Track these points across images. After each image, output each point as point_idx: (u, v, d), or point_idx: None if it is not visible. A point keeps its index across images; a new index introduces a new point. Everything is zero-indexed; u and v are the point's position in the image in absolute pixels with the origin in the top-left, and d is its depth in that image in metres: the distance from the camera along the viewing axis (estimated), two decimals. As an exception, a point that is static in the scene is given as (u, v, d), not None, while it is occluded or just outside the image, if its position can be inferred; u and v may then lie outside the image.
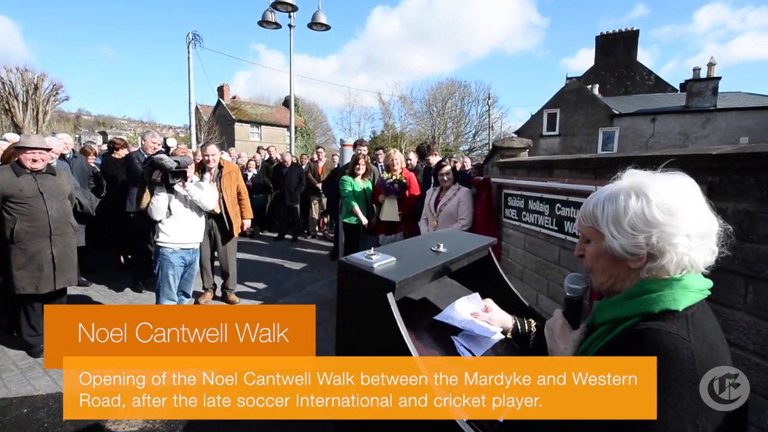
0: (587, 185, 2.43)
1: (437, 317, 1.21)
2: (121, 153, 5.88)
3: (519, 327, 1.24)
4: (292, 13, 10.87)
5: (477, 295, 1.27)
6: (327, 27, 10.62)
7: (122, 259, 5.96)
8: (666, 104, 20.94)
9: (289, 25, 11.13)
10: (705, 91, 19.20)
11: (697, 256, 0.79)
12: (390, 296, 1.02)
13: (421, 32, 77.45)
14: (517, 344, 1.23)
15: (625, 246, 0.81)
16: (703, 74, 19.85)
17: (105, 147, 6.71)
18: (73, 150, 5.46)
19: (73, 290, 3.87)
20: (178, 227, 3.45)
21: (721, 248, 0.83)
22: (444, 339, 1.16)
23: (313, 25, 10.50)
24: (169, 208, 3.39)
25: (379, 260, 1.11)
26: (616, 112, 20.86)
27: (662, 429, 0.68)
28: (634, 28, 27.65)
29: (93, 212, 4.73)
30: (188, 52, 15.84)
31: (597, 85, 24.15)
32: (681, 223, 0.78)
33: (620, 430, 0.71)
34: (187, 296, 3.78)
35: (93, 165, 5.79)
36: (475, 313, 1.22)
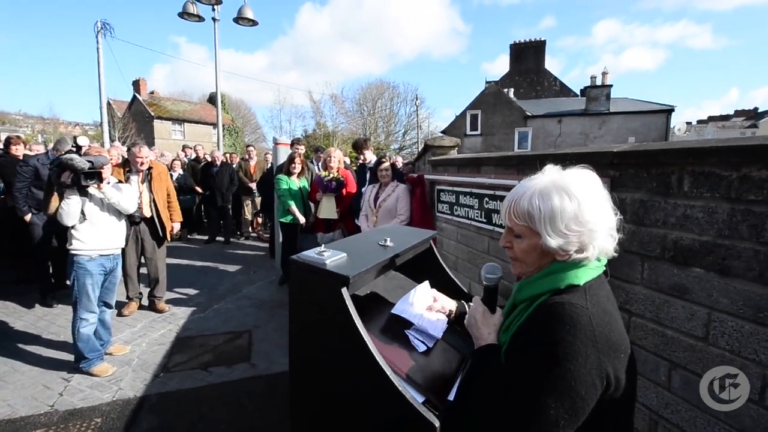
0: (512, 180, 2.66)
1: (394, 311, 1.26)
2: (19, 151, 5.20)
3: (463, 309, 1.36)
4: (216, 6, 10.32)
5: (427, 283, 1.35)
6: (254, 22, 10.24)
7: (29, 271, 5.30)
8: (569, 107, 23.42)
9: (213, 19, 10.57)
10: (600, 96, 21.95)
11: (608, 245, 0.94)
12: (344, 291, 1.05)
13: (350, 32, 77.61)
14: (458, 327, 1.33)
15: (561, 245, 0.91)
16: (598, 82, 22.44)
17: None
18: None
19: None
20: (95, 232, 3.16)
21: (620, 234, 0.97)
22: (398, 331, 1.21)
23: (239, 19, 10.07)
24: (82, 212, 3.09)
25: (330, 257, 1.13)
26: (529, 114, 22.90)
27: (579, 387, 0.81)
28: (542, 39, 30.64)
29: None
30: (97, 42, 14.33)
31: (512, 89, 26.17)
32: (603, 220, 0.91)
33: (544, 391, 0.81)
34: (110, 307, 3.47)
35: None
36: (429, 306, 1.30)
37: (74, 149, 3.14)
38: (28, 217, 4.49)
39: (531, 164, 2.55)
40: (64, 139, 5.28)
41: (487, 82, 26.35)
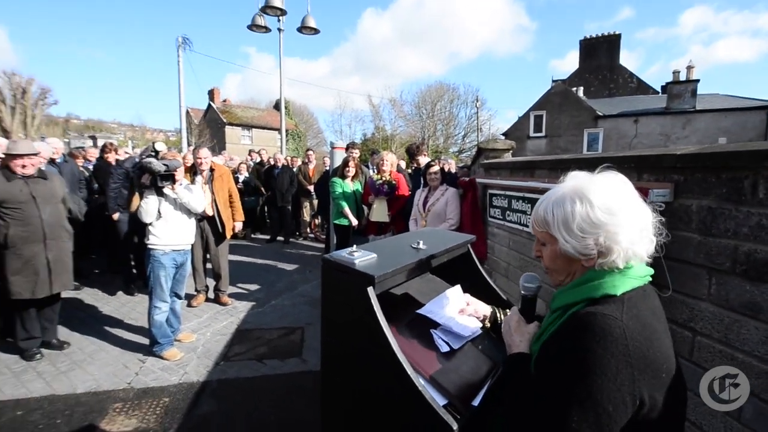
0: (567, 185, 2.54)
1: (419, 311, 1.28)
2: (111, 157, 5.90)
3: (497, 315, 1.34)
4: (281, 17, 10.91)
5: (458, 287, 1.35)
6: (316, 31, 10.68)
7: (116, 262, 5.97)
8: (648, 106, 21.35)
9: (279, 29, 11.19)
10: (684, 93, 19.63)
11: (639, 248, 0.89)
12: (370, 290, 1.08)
13: (411, 34, 77.87)
14: (494, 333, 1.31)
15: (577, 248, 0.90)
16: (683, 77, 20.26)
17: (93, 151, 6.66)
18: (63, 154, 5.46)
19: (65, 294, 3.88)
20: (168, 229, 3.50)
21: (658, 237, 0.92)
22: (425, 331, 1.23)
23: (303, 29, 10.55)
24: (159, 210, 3.43)
25: (360, 257, 1.17)
26: (600, 113, 21.20)
27: (605, 402, 0.76)
28: (617, 33, 28.23)
29: (81, 217, 4.74)
30: (178, 55, 15.79)
31: (581, 88, 24.53)
32: (621, 221, 0.87)
33: (568, 402, 0.79)
34: (180, 298, 3.81)
35: (82, 169, 5.80)
36: (462, 310, 1.30)
37: (153, 154, 3.49)
38: (116, 216, 5.05)
39: (589, 168, 2.41)
40: (150, 145, 5.91)
41: (553, 81, 24.95)
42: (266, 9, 10.17)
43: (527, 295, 1.13)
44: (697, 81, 19.68)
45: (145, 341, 3.77)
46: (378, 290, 1.10)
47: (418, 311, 1.27)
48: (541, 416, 0.82)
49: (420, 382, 0.99)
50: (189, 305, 4.73)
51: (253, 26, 10.39)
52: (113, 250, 6.01)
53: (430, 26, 76.56)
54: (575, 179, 0.95)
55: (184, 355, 3.61)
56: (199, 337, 4.01)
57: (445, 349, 1.18)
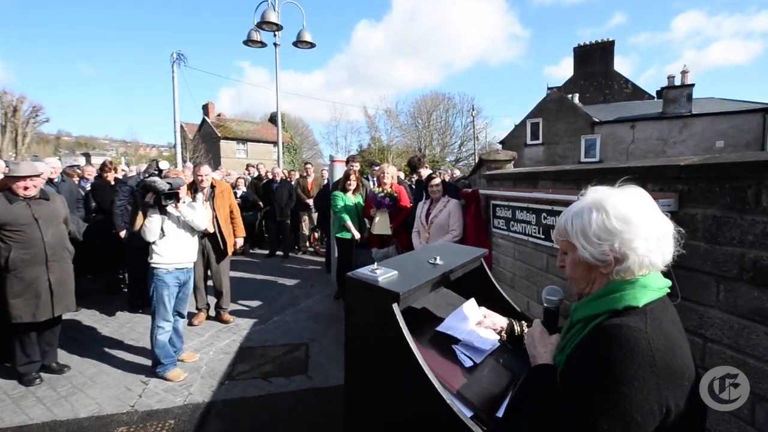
0: (571, 195, 2.56)
1: (439, 328, 1.30)
2: (110, 176, 5.89)
3: (514, 327, 1.36)
4: (277, 32, 11.03)
5: (473, 300, 1.37)
6: (312, 45, 10.80)
7: (115, 282, 5.94)
8: (644, 111, 21.57)
9: (275, 44, 11.29)
10: (680, 97, 19.83)
11: (655, 257, 0.93)
12: (395, 306, 1.11)
13: (405, 45, 78.93)
14: (510, 345, 1.32)
15: (594, 254, 0.94)
16: (677, 81, 20.55)
17: (90, 169, 6.64)
18: (61, 174, 5.45)
19: (63, 315, 3.83)
20: (171, 247, 3.48)
21: (678, 248, 0.96)
22: (446, 346, 1.25)
23: (298, 43, 10.67)
24: (162, 229, 3.43)
25: (382, 274, 1.20)
26: (597, 119, 21.42)
27: (634, 411, 0.79)
28: (610, 39, 28.61)
29: (80, 237, 4.72)
30: (172, 71, 15.92)
31: (577, 94, 24.83)
32: (636, 229, 0.91)
33: (597, 413, 0.80)
34: (182, 317, 3.78)
35: (79, 189, 5.79)
36: (480, 322, 1.32)
37: (156, 172, 3.50)
38: (122, 234, 5.03)
39: (591, 178, 2.44)
40: (153, 163, 5.88)
41: (548, 89, 25.22)
42: (262, 24, 10.28)
43: (550, 307, 1.16)
44: (692, 85, 19.90)
45: (147, 362, 3.73)
46: (402, 306, 1.11)
47: (438, 329, 1.28)
48: (569, 426, 0.83)
49: (447, 395, 1.01)
50: (190, 324, 4.68)
51: (249, 41, 10.50)
52: (113, 269, 5.98)
53: (424, 36, 77.74)
54: (596, 192, 1.00)
55: (187, 375, 3.56)
56: (202, 356, 3.97)
57: (468, 364, 1.19)
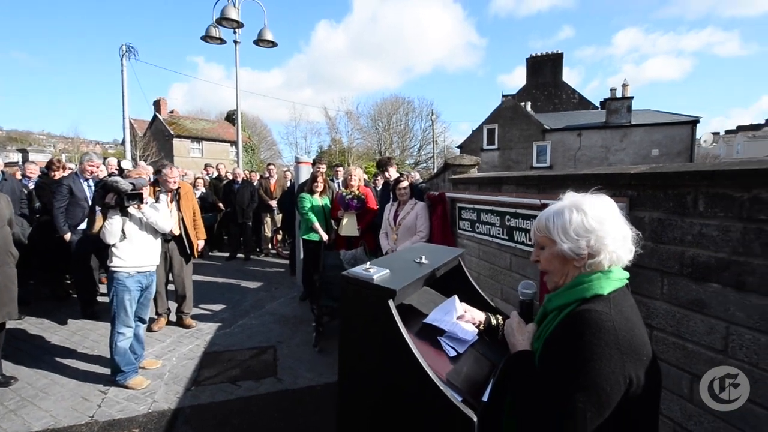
0: (532, 199, 2.76)
1: (426, 320, 1.40)
2: (58, 175, 5.53)
3: (491, 320, 1.50)
4: (237, 30, 10.76)
5: (455, 297, 1.48)
6: (274, 44, 10.64)
7: (62, 288, 5.57)
8: (589, 120, 23.22)
9: (235, 42, 11.01)
10: (621, 108, 21.60)
11: (621, 253, 1.09)
12: (391, 303, 1.19)
13: (365, 48, 79.15)
14: (487, 337, 1.45)
15: (572, 248, 1.08)
16: (619, 93, 22.26)
17: (32, 167, 6.16)
18: (2, 171, 5.05)
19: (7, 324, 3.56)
20: (134, 250, 3.35)
21: (636, 248, 1.12)
22: (432, 338, 1.35)
23: (260, 41, 10.48)
24: (123, 231, 3.29)
25: (376, 272, 1.28)
26: (547, 127, 22.75)
27: (604, 383, 0.93)
28: (559, 51, 30.41)
29: (25, 240, 4.41)
30: (122, 64, 15.07)
31: (529, 103, 26.13)
32: (608, 229, 1.07)
33: (574, 386, 0.94)
34: (144, 322, 3.64)
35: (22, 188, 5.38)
36: (461, 316, 1.44)
37: (117, 172, 3.35)
38: (67, 237, 4.73)
39: (551, 183, 2.65)
40: (89, 154, 5.50)
41: (503, 96, 26.29)
42: (222, 21, 10.01)
43: (525, 300, 1.31)
44: (632, 98, 21.70)
45: (105, 371, 3.56)
46: (396, 302, 1.20)
47: (425, 321, 1.38)
48: (550, 401, 0.96)
49: (440, 382, 1.11)
50: (149, 330, 4.47)
51: (207, 37, 10.17)
52: (59, 274, 5.61)
53: (384, 41, 78.31)
54: (574, 196, 1.16)
55: (150, 382, 3.44)
56: (165, 362, 3.84)
57: (452, 354, 1.30)
